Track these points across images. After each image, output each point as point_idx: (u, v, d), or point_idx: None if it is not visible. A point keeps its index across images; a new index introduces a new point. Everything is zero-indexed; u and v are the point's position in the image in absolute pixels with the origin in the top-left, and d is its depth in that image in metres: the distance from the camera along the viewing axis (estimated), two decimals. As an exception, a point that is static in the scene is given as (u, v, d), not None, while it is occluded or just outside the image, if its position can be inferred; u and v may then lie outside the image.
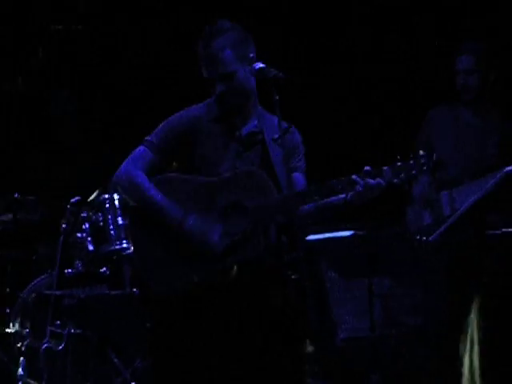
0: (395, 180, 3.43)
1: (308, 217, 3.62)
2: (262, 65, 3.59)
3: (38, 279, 5.35)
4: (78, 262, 5.07)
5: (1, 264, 5.54)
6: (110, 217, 5.05)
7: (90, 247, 5.05)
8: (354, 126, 6.21)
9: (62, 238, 5.02)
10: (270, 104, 3.51)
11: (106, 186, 5.08)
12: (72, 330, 4.82)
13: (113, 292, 5.19)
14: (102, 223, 5.05)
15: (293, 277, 3.62)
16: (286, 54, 6.01)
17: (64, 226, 5.04)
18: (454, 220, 4.42)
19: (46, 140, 6.08)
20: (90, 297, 5.06)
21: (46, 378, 4.73)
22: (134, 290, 5.10)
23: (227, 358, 3.51)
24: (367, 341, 5.25)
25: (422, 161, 3.44)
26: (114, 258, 5.06)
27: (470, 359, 1.71)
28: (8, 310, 5.34)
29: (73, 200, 5.07)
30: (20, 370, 4.84)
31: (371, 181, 3.42)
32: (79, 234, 5.04)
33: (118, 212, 5.06)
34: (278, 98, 3.45)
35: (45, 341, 4.80)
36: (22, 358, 4.86)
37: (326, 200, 3.51)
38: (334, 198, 3.50)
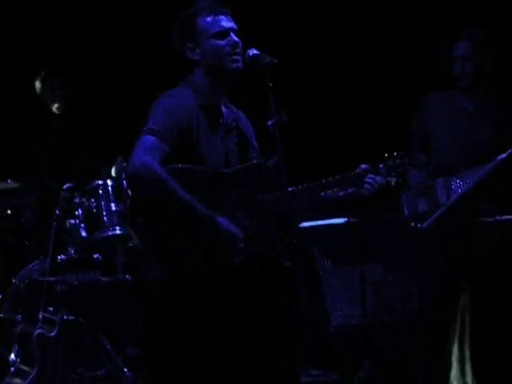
0: (389, 178, 3.59)
1: (306, 207, 3.68)
2: (255, 51, 3.58)
3: (31, 265, 5.35)
4: (70, 248, 5.06)
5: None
6: (103, 203, 5.02)
7: (83, 233, 5.03)
8: (344, 119, 6.22)
9: (54, 224, 5.00)
10: (263, 91, 3.50)
11: (99, 171, 5.07)
12: (65, 317, 4.81)
13: (106, 278, 5.19)
14: (95, 209, 5.03)
15: (286, 264, 3.62)
16: (279, 46, 5.99)
17: (57, 212, 5.03)
18: (447, 207, 4.43)
19: (39, 125, 6.05)
20: (82, 283, 5.06)
21: (39, 363, 4.73)
22: (127, 276, 5.10)
23: (221, 346, 3.52)
24: (359, 328, 5.27)
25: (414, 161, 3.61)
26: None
27: (460, 347, 1.72)
28: (0, 296, 5.35)
29: (66, 186, 5.05)
30: (12, 355, 4.85)
31: (378, 178, 3.57)
32: (72, 221, 5.02)
33: (112, 198, 5.04)
34: (271, 84, 3.45)
35: (37, 327, 4.79)
36: (14, 344, 4.87)
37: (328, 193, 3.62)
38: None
